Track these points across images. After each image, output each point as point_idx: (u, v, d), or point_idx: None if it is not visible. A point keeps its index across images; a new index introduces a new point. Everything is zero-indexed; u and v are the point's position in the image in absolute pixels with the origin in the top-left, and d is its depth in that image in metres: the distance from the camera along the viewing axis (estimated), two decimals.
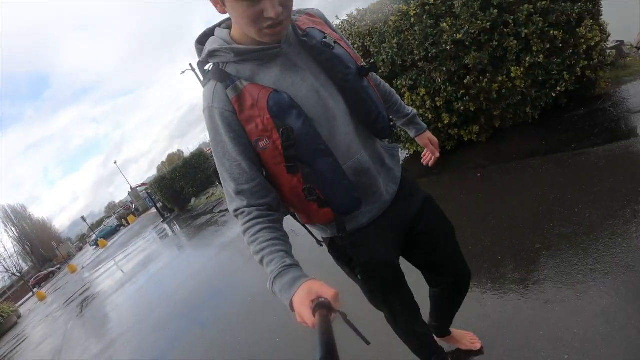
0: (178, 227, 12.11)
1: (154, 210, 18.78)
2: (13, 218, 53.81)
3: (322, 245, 1.15)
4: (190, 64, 25.34)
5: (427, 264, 1.26)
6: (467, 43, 2.83)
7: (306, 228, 1.13)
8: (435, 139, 1.35)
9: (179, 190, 13.85)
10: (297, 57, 0.92)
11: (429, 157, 1.37)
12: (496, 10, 2.70)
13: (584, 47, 2.86)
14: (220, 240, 6.64)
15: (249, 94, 0.87)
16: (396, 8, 2.96)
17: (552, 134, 3.04)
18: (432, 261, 1.24)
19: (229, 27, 0.93)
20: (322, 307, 0.68)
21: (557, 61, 2.86)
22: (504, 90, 2.98)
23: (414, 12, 2.87)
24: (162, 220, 15.48)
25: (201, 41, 0.97)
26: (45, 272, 42.40)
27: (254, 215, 0.89)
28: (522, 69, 2.85)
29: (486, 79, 2.93)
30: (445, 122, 3.27)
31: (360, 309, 1.25)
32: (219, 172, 0.94)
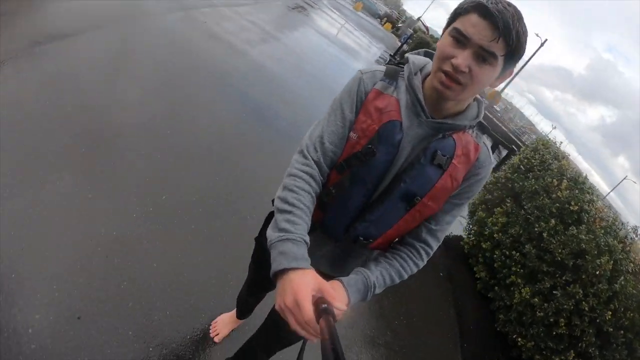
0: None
1: (398, 43, 19.36)
2: None
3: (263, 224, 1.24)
4: None
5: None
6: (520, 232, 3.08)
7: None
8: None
9: None
10: (423, 137, 0.92)
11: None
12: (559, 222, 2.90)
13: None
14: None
15: (388, 102, 0.92)
16: (516, 159, 3.17)
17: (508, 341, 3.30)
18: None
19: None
20: (327, 314, 0.66)
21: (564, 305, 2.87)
22: (512, 287, 3.27)
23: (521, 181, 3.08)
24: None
25: (420, 52, 1.03)
26: None
27: (313, 175, 0.90)
28: (530, 290, 3.10)
29: (514, 263, 3.26)
30: None
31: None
32: (322, 117, 0.97)
